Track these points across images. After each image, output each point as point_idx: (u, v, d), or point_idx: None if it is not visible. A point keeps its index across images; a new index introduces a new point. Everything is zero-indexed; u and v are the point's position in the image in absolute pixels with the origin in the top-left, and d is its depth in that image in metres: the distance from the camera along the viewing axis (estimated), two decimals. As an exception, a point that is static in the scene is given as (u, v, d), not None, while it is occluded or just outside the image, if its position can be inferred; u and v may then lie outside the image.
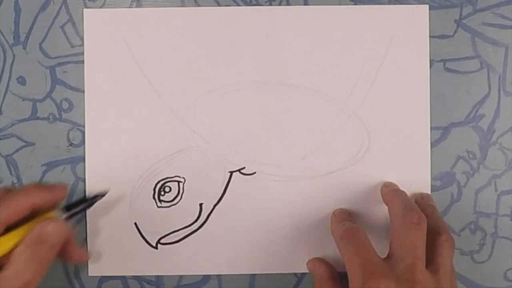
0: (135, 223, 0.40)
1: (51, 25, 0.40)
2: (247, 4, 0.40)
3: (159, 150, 0.40)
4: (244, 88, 0.40)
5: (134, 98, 0.40)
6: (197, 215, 0.40)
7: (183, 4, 0.40)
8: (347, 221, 0.38)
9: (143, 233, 0.40)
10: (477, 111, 0.40)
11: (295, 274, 0.40)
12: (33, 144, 0.41)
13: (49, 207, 0.34)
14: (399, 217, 0.35)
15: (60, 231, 0.33)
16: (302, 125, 0.40)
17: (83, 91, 0.40)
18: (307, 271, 0.40)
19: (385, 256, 0.35)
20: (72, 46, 0.40)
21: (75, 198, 0.40)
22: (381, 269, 0.32)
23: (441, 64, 0.40)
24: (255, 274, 0.40)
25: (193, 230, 0.40)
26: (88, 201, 0.36)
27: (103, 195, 0.37)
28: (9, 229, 0.32)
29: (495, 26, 0.40)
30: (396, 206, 0.37)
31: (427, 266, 0.33)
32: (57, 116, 0.41)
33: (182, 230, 0.40)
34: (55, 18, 0.40)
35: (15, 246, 0.32)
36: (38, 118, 0.41)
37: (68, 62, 0.40)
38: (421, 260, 0.33)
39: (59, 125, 0.41)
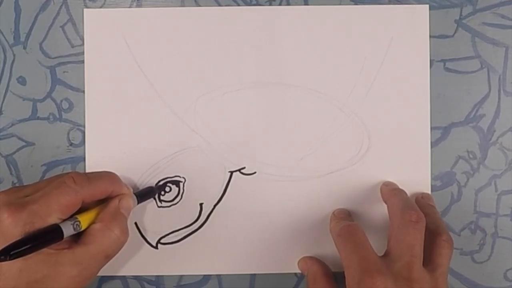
0: (135, 223, 0.40)
1: (51, 25, 0.40)
2: (247, 4, 0.40)
3: (159, 150, 0.40)
4: (244, 88, 0.40)
5: (134, 98, 0.40)
6: (197, 215, 0.40)
7: (183, 4, 0.40)
8: (346, 220, 0.38)
9: (143, 233, 0.40)
10: (477, 111, 0.40)
11: (295, 274, 0.40)
12: (33, 144, 0.41)
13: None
14: (398, 215, 0.35)
15: (131, 204, 0.37)
16: (302, 125, 0.40)
17: (83, 91, 0.40)
18: (307, 271, 0.40)
19: (383, 254, 0.35)
20: (72, 46, 0.40)
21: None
22: (378, 266, 0.32)
23: (441, 64, 0.40)
24: (255, 274, 0.40)
25: (193, 230, 0.40)
26: (154, 191, 0.40)
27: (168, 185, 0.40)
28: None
29: (495, 26, 0.40)
30: (395, 204, 0.37)
31: (424, 265, 0.34)
32: (57, 116, 0.41)
33: (182, 230, 0.40)
34: (55, 18, 0.40)
35: (92, 223, 0.35)
36: (38, 118, 0.41)
37: (68, 62, 0.41)
38: (418, 258, 0.33)
39: (59, 125, 0.41)
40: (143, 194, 0.39)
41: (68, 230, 0.32)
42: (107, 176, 0.37)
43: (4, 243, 0.30)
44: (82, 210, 0.34)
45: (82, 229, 0.34)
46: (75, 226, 0.33)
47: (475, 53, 0.40)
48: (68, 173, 0.35)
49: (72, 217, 0.34)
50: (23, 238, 0.31)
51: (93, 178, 0.35)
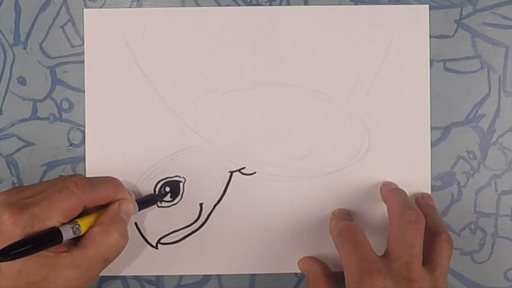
0: (135, 223, 0.40)
1: (51, 25, 0.40)
2: (247, 4, 0.40)
3: (159, 150, 0.40)
4: (244, 88, 0.40)
5: (134, 98, 0.40)
6: (197, 215, 0.40)
7: (183, 4, 0.40)
8: (346, 220, 0.38)
9: (143, 233, 0.40)
10: (477, 111, 0.40)
11: (295, 274, 0.40)
12: (33, 144, 0.41)
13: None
14: (397, 215, 0.35)
15: (131, 208, 0.37)
16: (302, 125, 0.40)
17: (83, 91, 0.40)
18: (307, 271, 0.40)
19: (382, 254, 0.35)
20: (72, 46, 0.40)
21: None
22: (377, 266, 0.32)
23: (441, 64, 0.40)
24: (255, 274, 0.40)
25: (193, 230, 0.40)
26: (156, 199, 0.40)
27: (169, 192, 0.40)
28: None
29: (495, 26, 0.40)
30: (394, 204, 0.37)
31: (424, 265, 0.34)
32: (57, 116, 0.41)
33: (182, 230, 0.40)
34: (55, 18, 0.40)
35: (91, 227, 0.34)
36: (38, 118, 0.41)
37: (68, 62, 0.41)
38: (417, 258, 0.33)
39: (59, 125, 0.41)
40: (144, 202, 0.39)
41: (67, 233, 0.33)
42: (110, 182, 0.36)
43: (3, 243, 0.31)
44: (83, 214, 0.34)
45: (82, 233, 0.34)
46: (74, 229, 0.33)
47: (475, 53, 0.40)
48: (71, 177, 0.34)
49: (72, 220, 0.34)
50: (23, 239, 0.31)
51: (96, 183, 0.35)
